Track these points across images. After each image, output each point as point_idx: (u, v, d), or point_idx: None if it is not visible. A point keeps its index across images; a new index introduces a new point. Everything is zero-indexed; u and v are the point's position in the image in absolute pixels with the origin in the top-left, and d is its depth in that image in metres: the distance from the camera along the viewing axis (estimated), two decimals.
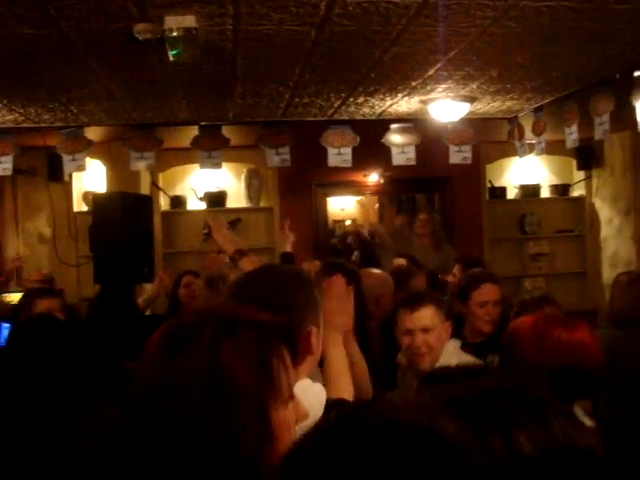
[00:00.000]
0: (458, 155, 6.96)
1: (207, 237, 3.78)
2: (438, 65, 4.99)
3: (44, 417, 2.51)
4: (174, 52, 3.94)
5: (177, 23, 3.77)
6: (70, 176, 7.98)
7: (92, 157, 7.59)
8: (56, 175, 7.68)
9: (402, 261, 6.20)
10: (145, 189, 8.10)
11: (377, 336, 3.84)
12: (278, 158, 6.64)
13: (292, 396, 1.30)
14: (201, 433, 1.18)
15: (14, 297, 6.47)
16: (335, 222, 9.77)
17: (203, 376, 1.20)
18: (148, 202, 7.65)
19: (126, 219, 6.91)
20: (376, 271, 4.88)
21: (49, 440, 2.43)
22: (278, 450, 1.24)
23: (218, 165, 6.82)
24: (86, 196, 8.28)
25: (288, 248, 5.30)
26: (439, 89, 5.75)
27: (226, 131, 6.70)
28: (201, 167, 6.91)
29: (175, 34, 3.82)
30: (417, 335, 3.31)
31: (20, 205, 8.34)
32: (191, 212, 8.57)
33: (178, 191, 8.71)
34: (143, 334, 1.41)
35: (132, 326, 4.64)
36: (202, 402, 1.19)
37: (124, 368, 3.84)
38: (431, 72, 5.19)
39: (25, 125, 6.61)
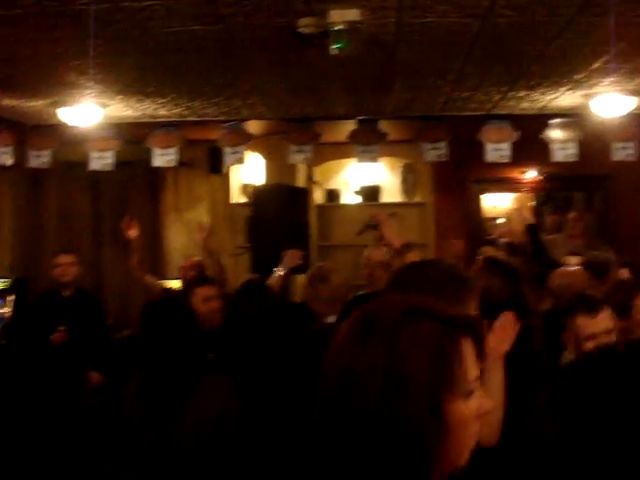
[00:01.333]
0: (622, 152, 6.69)
1: (366, 230, 3.78)
2: (605, 57, 4.81)
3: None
4: (337, 46, 3.98)
5: (341, 17, 3.80)
6: (229, 168, 8.21)
7: (251, 150, 7.79)
8: (216, 167, 7.93)
9: (575, 259, 5.95)
10: (301, 182, 8.24)
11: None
12: (435, 153, 6.59)
13: (474, 391, 1.28)
14: (374, 419, 1.19)
15: (171, 283, 6.77)
16: (486, 220, 9.60)
17: (380, 363, 1.21)
18: (304, 195, 7.80)
19: (282, 211, 7.07)
20: (570, 269, 4.78)
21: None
22: (451, 445, 1.23)
23: (374, 159, 6.84)
24: (244, 188, 8.50)
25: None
26: (604, 83, 5.53)
27: (385, 126, 6.72)
28: (358, 161, 6.95)
29: (339, 28, 3.86)
30: (601, 338, 3.20)
31: (181, 196, 8.66)
32: (346, 206, 8.65)
33: (333, 185, 8.80)
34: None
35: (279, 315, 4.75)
36: (378, 388, 1.20)
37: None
38: (597, 65, 5.01)
39: (190, 119, 6.87)
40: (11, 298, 7.24)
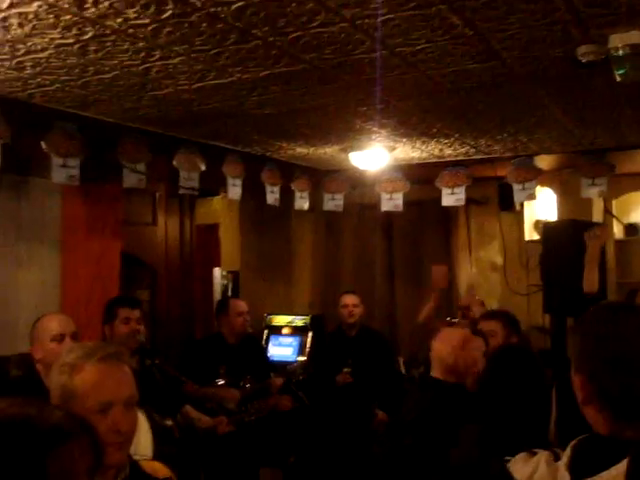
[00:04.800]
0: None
1: None
2: None
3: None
4: (621, 72, 3.77)
5: (622, 41, 3.59)
6: (521, 205, 8.05)
7: (543, 185, 7.59)
8: (507, 204, 7.80)
9: None
10: (598, 216, 7.86)
11: None
12: None
13: None
14: None
15: None
16: None
17: None
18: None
19: (576, 248, 6.77)
20: None
21: None
22: None
23: None
24: (537, 225, 8.28)
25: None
26: None
27: None
28: None
29: (621, 52, 3.65)
30: None
31: (473, 234, 8.63)
32: None
33: (633, 218, 8.30)
34: None
35: None
36: None
37: None
38: None
39: (476, 157, 6.85)
40: (310, 335, 7.62)
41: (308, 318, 7.90)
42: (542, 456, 1.55)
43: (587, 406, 1.50)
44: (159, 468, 2.23)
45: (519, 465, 1.59)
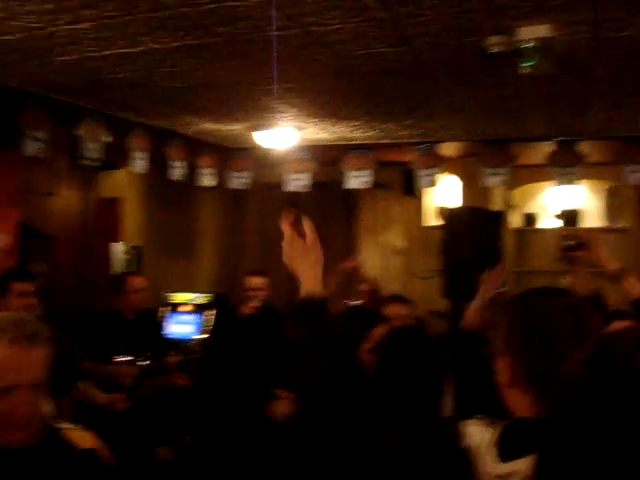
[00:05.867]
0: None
1: (572, 250, 3.39)
2: None
3: None
4: (528, 64, 3.85)
5: (532, 33, 3.67)
6: (423, 191, 8.16)
7: (448, 172, 7.71)
8: (410, 190, 7.90)
9: None
10: (498, 206, 8.05)
11: None
12: (637, 175, 6.24)
13: None
14: None
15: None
16: None
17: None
18: (499, 218, 7.59)
19: (476, 235, 6.92)
20: None
21: None
22: None
23: (573, 182, 6.57)
24: (438, 211, 8.42)
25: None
26: None
27: (585, 147, 6.44)
28: (557, 184, 6.71)
29: (529, 45, 3.73)
30: None
31: (376, 218, 8.71)
32: (544, 230, 8.34)
33: (531, 209, 8.53)
34: None
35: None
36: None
37: None
38: None
39: (384, 141, 6.91)
40: (212, 312, 7.56)
41: (211, 296, 7.83)
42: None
43: (511, 389, 1.52)
44: (86, 438, 2.20)
45: (477, 430, 1.60)
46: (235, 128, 6.46)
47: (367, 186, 7.06)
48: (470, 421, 1.61)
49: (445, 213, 7.71)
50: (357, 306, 5.96)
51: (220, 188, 7.76)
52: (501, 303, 1.74)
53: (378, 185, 7.87)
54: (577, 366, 1.35)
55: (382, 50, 4.04)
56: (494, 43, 3.83)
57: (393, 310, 4.53)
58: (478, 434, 1.55)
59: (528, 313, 1.57)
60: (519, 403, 1.52)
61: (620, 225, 8.20)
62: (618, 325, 2.89)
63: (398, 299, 4.72)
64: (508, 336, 1.58)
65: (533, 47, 3.74)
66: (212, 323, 7.45)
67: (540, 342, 1.50)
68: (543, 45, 3.72)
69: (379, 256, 8.64)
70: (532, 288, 1.66)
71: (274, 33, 3.75)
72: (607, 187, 8.18)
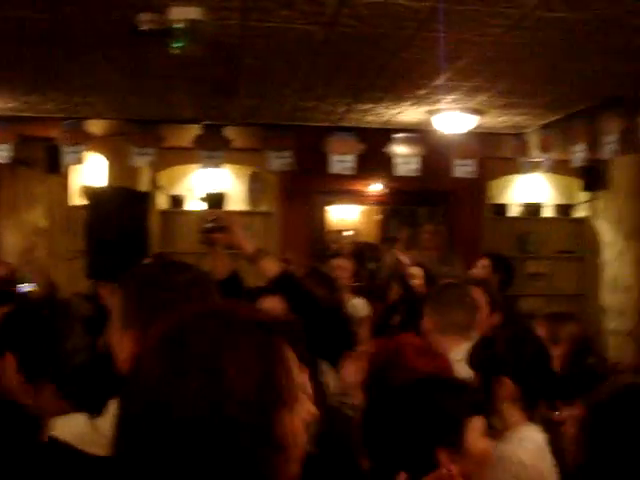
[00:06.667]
0: (462, 169, 6.86)
1: (212, 232, 3.43)
2: (446, 74, 4.90)
3: None
4: (178, 44, 3.84)
5: (182, 14, 3.68)
6: (68, 169, 7.88)
7: (94, 151, 7.50)
8: (54, 167, 7.57)
9: (418, 270, 5.84)
10: (145, 187, 8.00)
11: None
12: (280, 162, 6.56)
13: (298, 399, 1.18)
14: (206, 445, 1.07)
15: None
16: (331, 232, 9.59)
17: (203, 377, 1.10)
18: (146, 199, 7.54)
19: (122, 215, 6.81)
20: None
21: None
22: (288, 456, 1.13)
23: (219, 165, 6.74)
24: (83, 190, 8.18)
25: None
26: (447, 100, 5.66)
27: (231, 132, 6.62)
28: (202, 167, 6.83)
29: (180, 25, 3.73)
30: None
31: (18, 196, 8.24)
32: (190, 212, 8.46)
33: (178, 191, 8.60)
34: None
35: None
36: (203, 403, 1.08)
37: None
38: (439, 81, 5.10)
39: (27, 114, 6.53)
40: None
41: None
42: None
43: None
44: None
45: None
46: None
47: (7, 161, 6.66)
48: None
49: (90, 192, 7.48)
50: None
51: None
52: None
53: (20, 161, 7.45)
54: None
55: (23, 14, 3.78)
56: (145, 20, 3.78)
57: None
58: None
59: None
60: None
61: (262, 209, 8.58)
62: None
63: None
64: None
65: (183, 28, 3.74)
66: None
67: None
68: (193, 27, 3.74)
69: (21, 236, 8.19)
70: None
71: None
72: (250, 172, 8.50)
